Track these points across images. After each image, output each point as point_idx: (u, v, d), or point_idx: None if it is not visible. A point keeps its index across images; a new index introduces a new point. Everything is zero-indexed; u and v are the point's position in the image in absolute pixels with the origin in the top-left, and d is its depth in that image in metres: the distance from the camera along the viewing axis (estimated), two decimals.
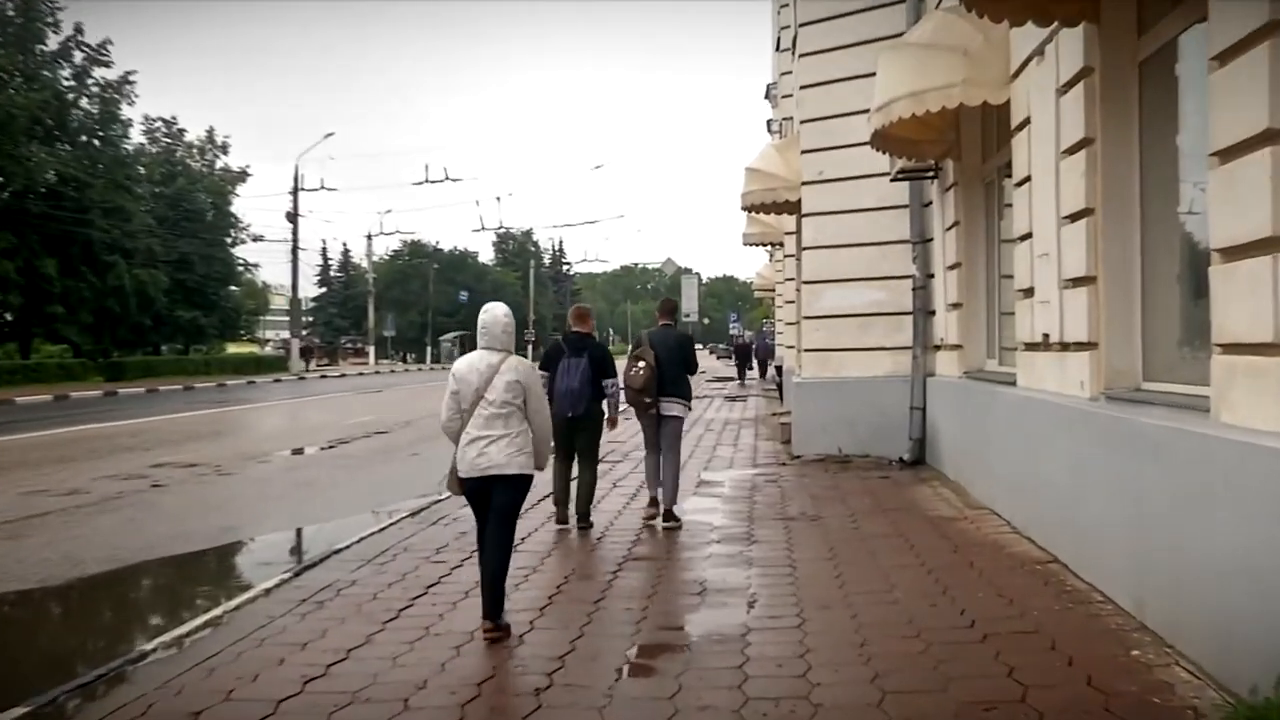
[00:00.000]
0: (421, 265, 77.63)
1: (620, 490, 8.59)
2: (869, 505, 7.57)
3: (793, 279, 15.07)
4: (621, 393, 7.13)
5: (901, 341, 10.08)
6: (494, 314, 4.85)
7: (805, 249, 10.86)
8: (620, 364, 7.25)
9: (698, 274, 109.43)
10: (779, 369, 21.82)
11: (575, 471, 7.04)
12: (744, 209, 12.36)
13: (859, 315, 10.39)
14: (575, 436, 6.89)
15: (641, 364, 7.25)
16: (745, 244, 16.95)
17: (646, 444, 7.43)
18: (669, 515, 7.13)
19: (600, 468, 7.76)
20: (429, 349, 68.83)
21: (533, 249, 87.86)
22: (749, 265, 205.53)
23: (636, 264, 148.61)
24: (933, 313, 9.66)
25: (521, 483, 4.59)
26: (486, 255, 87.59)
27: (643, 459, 7.38)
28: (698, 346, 8.56)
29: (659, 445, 7.33)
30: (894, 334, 10.18)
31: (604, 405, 7.04)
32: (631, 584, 5.35)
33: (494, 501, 4.57)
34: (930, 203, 9.59)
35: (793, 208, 11.84)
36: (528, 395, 4.67)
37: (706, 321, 76.13)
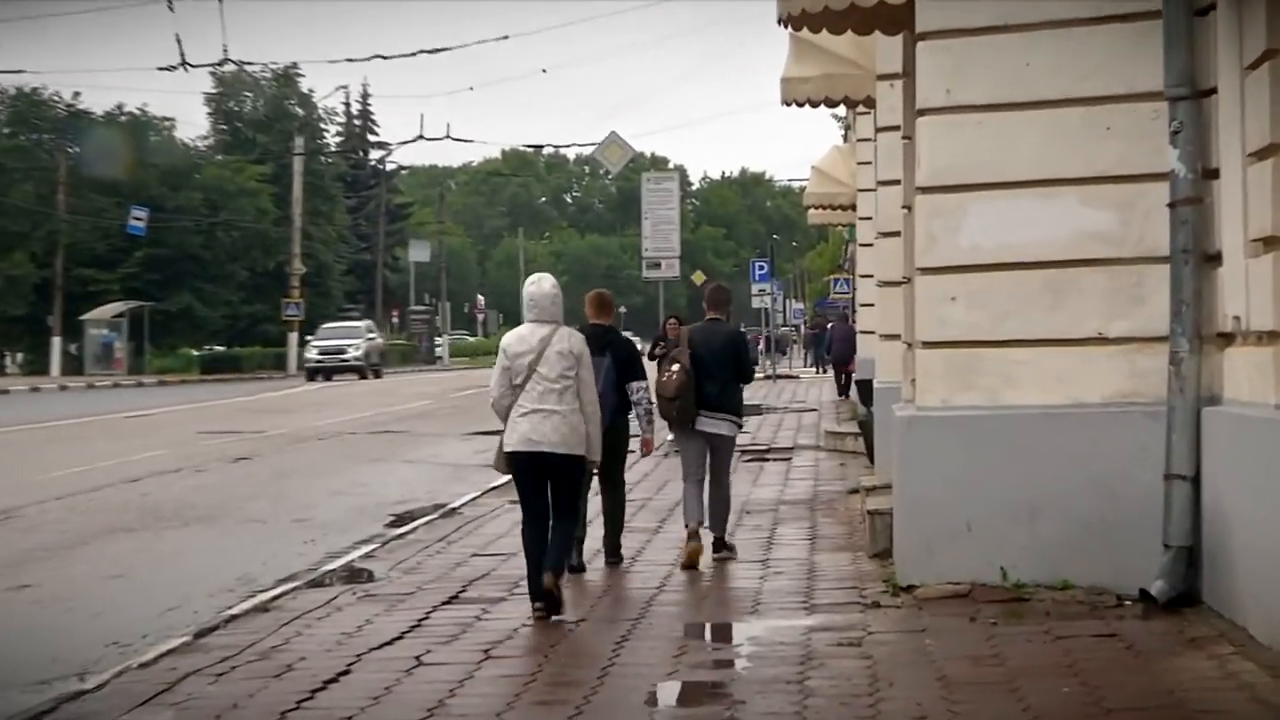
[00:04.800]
0: (37, 149, 76.51)
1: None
2: (1074, 706, 7.61)
3: (892, 182, 15.04)
4: (646, 397, 12.13)
5: (1143, 326, 10.20)
6: (541, 286, 10.28)
7: (925, 113, 10.88)
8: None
9: (678, 169, 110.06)
10: (862, 387, 21.90)
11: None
12: (785, 21, 12.31)
13: (1045, 264, 10.44)
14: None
15: (675, 367, 12.06)
16: (788, 102, 16.96)
17: (685, 471, 12.42)
18: (720, 545, 12.43)
19: None
20: (58, 341, 68.28)
21: (300, 116, 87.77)
22: (795, 155, 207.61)
23: (540, 149, 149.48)
24: (1215, 258, 9.77)
25: (578, 464, 10.23)
26: (195, 126, 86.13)
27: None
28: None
29: (701, 473, 12.30)
30: (1126, 308, 10.29)
31: (632, 419, 12.24)
32: None
33: (553, 487, 10.17)
34: (1211, 6, 9.67)
35: (895, 17, 11.81)
36: (579, 367, 10.10)
37: (698, 277, 76.54)
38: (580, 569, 11.97)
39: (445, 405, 41.06)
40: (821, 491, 17.36)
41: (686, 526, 12.28)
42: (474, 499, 17.54)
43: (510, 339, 10.31)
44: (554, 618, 9.98)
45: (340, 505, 18.37)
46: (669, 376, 12.12)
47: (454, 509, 16.69)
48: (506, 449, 10.15)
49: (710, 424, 12.19)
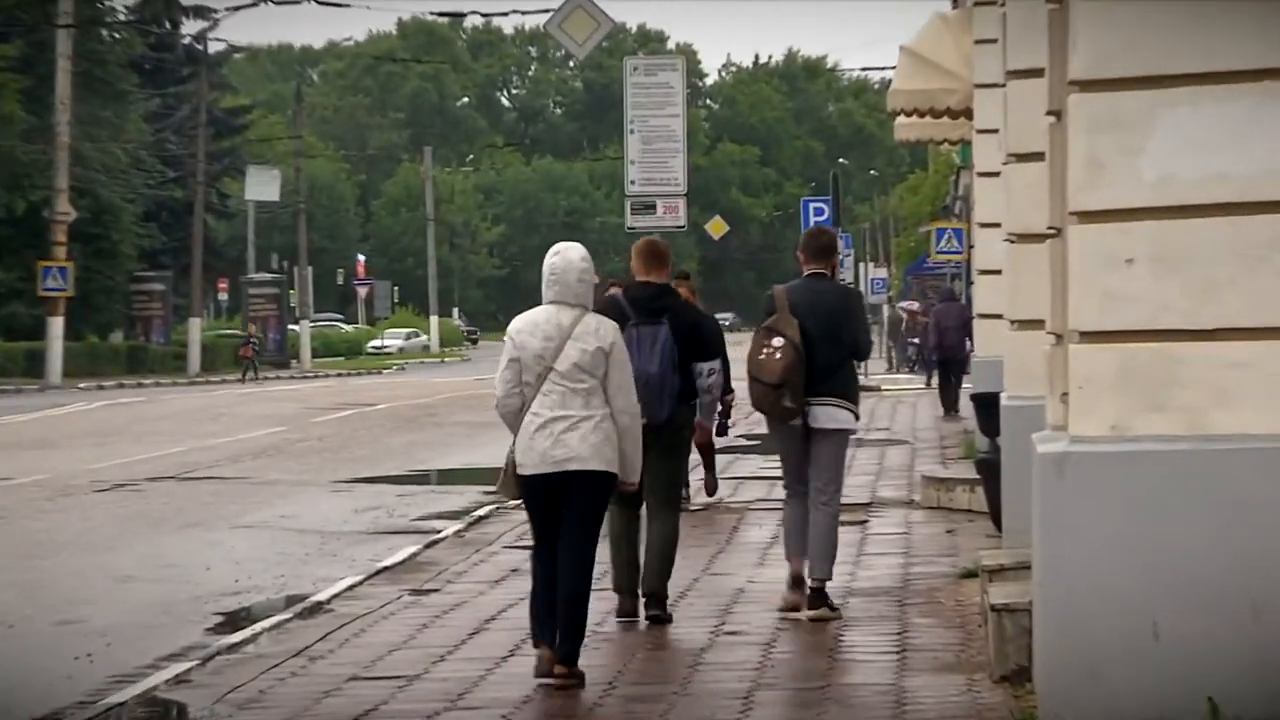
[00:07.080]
0: None
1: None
2: None
3: (1032, 73, 15.08)
4: (718, 384, 14.66)
5: None
6: (567, 258, 12.09)
7: None
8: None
9: (683, 53, 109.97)
10: (983, 405, 21.96)
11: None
12: None
13: None
14: (646, 461, 12.71)
15: (778, 341, 13.90)
16: None
17: (786, 478, 14.88)
18: (819, 598, 14.39)
19: None
20: None
21: None
22: (873, 31, 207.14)
23: (460, 19, 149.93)
24: None
25: (607, 482, 12.16)
26: None
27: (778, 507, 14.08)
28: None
29: (806, 481, 14.51)
30: None
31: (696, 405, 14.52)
32: None
33: (570, 508, 12.05)
34: None
35: None
36: (610, 367, 12.03)
37: (715, 228, 77.09)
38: (664, 616, 14.41)
39: (306, 435, 41.32)
40: (915, 575, 17.45)
41: (791, 566, 14.81)
42: (352, 587, 17.64)
43: (521, 324, 12.26)
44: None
45: (134, 598, 18.44)
46: (769, 353, 13.92)
47: (320, 603, 16.73)
48: (522, 471, 12.13)
49: (821, 415, 14.26)
